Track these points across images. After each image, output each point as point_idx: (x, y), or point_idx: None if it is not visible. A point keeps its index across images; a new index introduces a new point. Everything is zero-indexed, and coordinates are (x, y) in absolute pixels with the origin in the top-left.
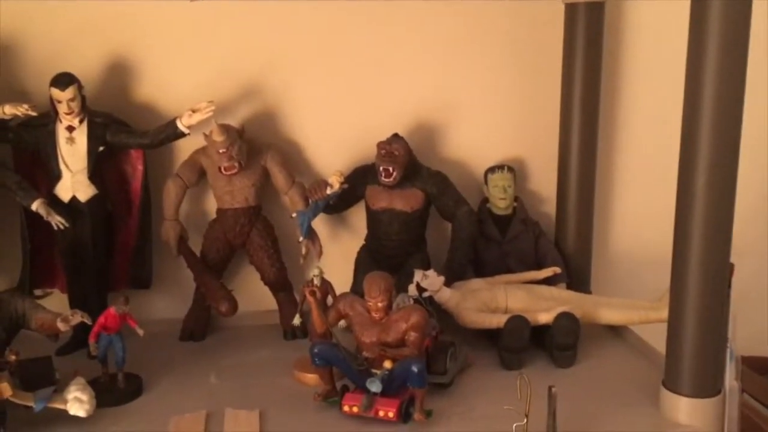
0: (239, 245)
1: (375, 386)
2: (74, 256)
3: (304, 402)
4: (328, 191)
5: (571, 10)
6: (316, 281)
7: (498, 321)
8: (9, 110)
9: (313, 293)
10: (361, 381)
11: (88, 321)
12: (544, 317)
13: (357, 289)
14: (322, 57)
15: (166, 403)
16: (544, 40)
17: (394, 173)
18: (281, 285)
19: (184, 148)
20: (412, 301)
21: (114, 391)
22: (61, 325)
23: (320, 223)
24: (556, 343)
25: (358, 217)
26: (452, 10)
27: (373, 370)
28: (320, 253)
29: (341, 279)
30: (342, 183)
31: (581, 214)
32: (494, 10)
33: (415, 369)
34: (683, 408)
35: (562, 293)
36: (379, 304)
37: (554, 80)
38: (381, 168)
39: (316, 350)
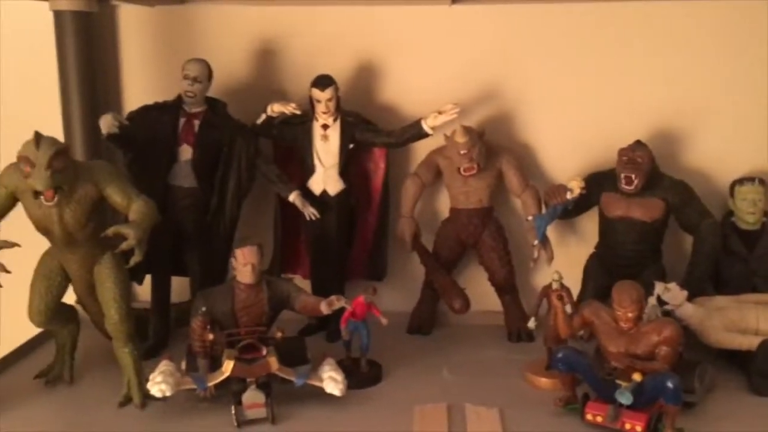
0: (471, 245)
1: (625, 398)
2: (320, 246)
3: (541, 405)
4: (568, 196)
5: None
6: (555, 286)
7: (749, 342)
8: (278, 108)
9: (560, 298)
10: (604, 390)
11: (349, 307)
12: None
13: (585, 297)
14: (560, 61)
15: (405, 392)
16: None
17: (636, 181)
18: (509, 287)
19: (422, 148)
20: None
21: (357, 375)
22: (324, 309)
23: (548, 228)
24: None
25: (587, 223)
26: (700, 10)
27: (618, 381)
28: (551, 258)
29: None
30: (582, 188)
31: None
32: (750, 7)
33: (670, 384)
34: None
35: None
36: (630, 315)
37: None
38: (622, 175)
39: (560, 355)
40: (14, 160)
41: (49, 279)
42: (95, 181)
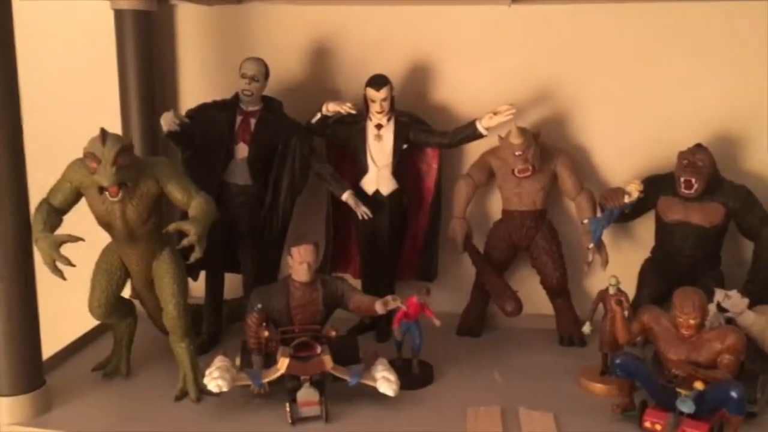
0: (523, 247)
1: (687, 407)
2: (371, 245)
3: (596, 411)
4: (626, 200)
5: None
6: (612, 291)
7: None
8: (333, 108)
9: (620, 303)
10: (664, 398)
11: (403, 307)
12: None
13: (640, 303)
14: (618, 61)
15: (456, 394)
16: None
17: (696, 185)
18: (561, 290)
19: (475, 149)
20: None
21: (409, 375)
22: (379, 309)
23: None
24: None
25: (642, 227)
26: (762, 11)
27: (678, 389)
28: (606, 262)
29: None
30: (641, 192)
31: None
32: None
33: (735, 394)
34: None
35: None
36: (691, 321)
37: None
38: (682, 179)
39: (618, 361)
40: (74, 156)
41: (110, 273)
42: (157, 178)
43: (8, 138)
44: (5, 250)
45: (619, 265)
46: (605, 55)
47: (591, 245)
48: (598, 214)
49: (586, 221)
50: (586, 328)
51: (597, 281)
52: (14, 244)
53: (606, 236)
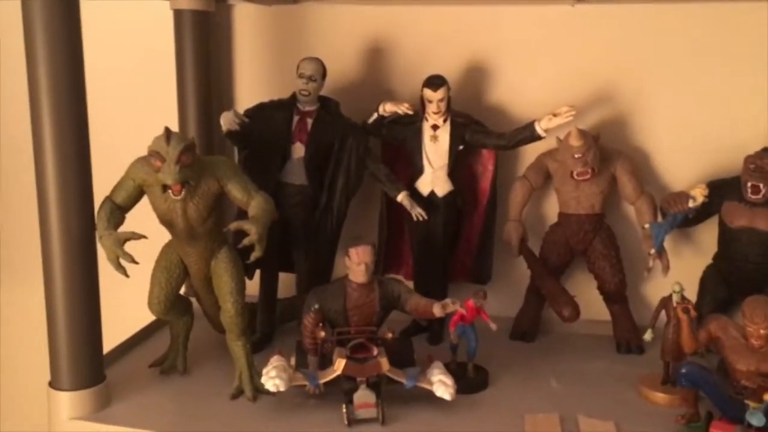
0: (580, 252)
1: (757, 419)
2: (424, 247)
3: (658, 420)
4: (690, 204)
5: None
6: (676, 298)
7: None
8: (390, 108)
9: (686, 310)
10: (731, 410)
11: (463, 311)
12: None
13: (702, 311)
14: (682, 62)
15: (513, 399)
16: None
17: (764, 190)
18: (619, 296)
19: (532, 151)
20: None
21: (463, 379)
22: (438, 311)
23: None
24: None
25: (703, 232)
26: None
27: (747, 401)
28: (667, 269)
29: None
30: (705, 197)
31: None
32: None
33: None
34: None
35: None
36: (762, 331)
37: None
38: (749, 184)
39: (684, 371)
40: (132, 154)
41: (169, 271)
42: (218, 177)
43: (75, 137)
44: (70, 247)
45: (680, 271)
46: (669, 55)
47: (652, 251)
48: (659, 219)
49: (647, 226)
50: (648, 336)
51: (655, 288)
52: (78, 241)
53: (666, 242)
